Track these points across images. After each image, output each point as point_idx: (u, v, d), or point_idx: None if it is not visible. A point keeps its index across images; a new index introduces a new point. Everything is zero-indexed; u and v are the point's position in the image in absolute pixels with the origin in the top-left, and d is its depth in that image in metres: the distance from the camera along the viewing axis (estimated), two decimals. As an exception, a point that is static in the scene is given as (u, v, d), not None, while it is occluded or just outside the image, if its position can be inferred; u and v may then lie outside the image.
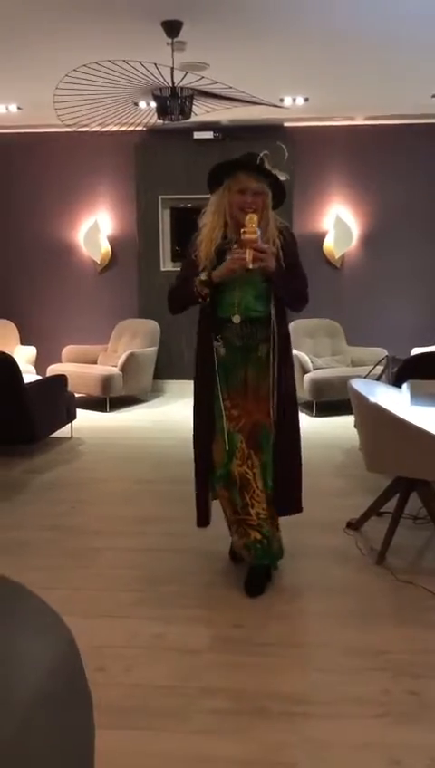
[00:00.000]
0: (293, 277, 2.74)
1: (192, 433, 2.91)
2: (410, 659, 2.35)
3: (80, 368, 6.87)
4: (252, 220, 2.55)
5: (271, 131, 7.17)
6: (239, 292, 2.71)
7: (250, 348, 2.75)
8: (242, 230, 2.54)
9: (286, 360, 2.84)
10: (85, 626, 2.47)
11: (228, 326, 2.73)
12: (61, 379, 5.51)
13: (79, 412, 5.82)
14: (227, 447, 2.77)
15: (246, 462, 2.77)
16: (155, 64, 4.42)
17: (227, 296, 2.73)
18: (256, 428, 2.79)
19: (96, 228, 7.69)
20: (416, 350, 6.58)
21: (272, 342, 2.74)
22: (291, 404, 2.85)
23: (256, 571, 2.87)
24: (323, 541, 3.40)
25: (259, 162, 2.69)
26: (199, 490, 2.89)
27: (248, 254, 2.50)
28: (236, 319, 2.70)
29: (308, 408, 6.46)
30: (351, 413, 3.79)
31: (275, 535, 2.87)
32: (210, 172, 2.73)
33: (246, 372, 2.78)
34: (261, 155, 2.69)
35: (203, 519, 2.91)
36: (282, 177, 2.73)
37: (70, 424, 5.58)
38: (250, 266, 2.50)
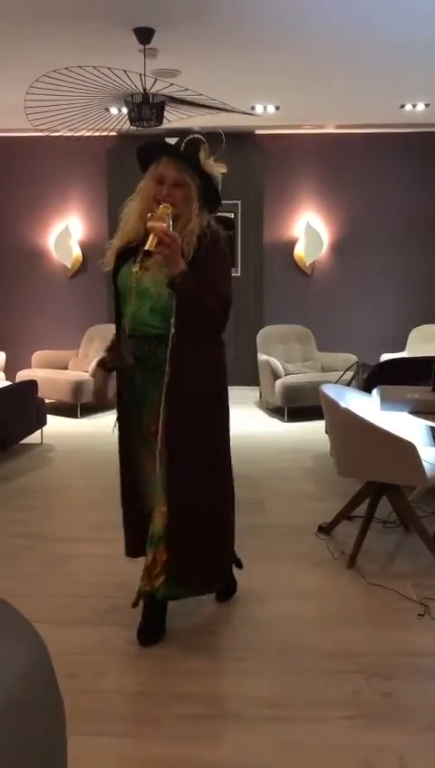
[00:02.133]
0: (207, 292, 2.24)
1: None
2: (382, 661, 2.37)
3: (50, 373, 6.81)
4: (166, 209, 2.18)
5: (242, 139, 7.23)
6: (135, 301, 2.30)
7: (152, 368, 2.33)
8: (149, 214, 2.19)
9: (191, 396, 2.32)
10: (57, 633, 2.45)
11: (129, 342, 2.37)
12: (31, 385, 5.46)
13: (49, 418, 5.77)
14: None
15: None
16: (124, 71, 4.42)
17: (127, 306, 2.34)
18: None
19: (67, 233, 7.65)
20: (385, 356, 6.68)
21: (168, 371, 2.26)
22: (189, 454, 2.34)
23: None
24: (295, 545, 3.42)
25: (184, 147, 2.26)
26: (125, 518, 2.57)
27: (151, 238, 2.11)
28: (129, 332, 2.35)
29: (280, 413, 6.50)
30: (321, 418, 3.83)
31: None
32: (137, 155, 2.35)
33: (154, 394, 2.35)
34: (189, 137, 2.28)
35: (133, 546, 2.55)
36: (220, 170, 2.30)
37: (40, 430, 5.52)
38: (150, 248, 2.11)
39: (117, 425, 2.54)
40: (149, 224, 2.15)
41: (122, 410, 2.51)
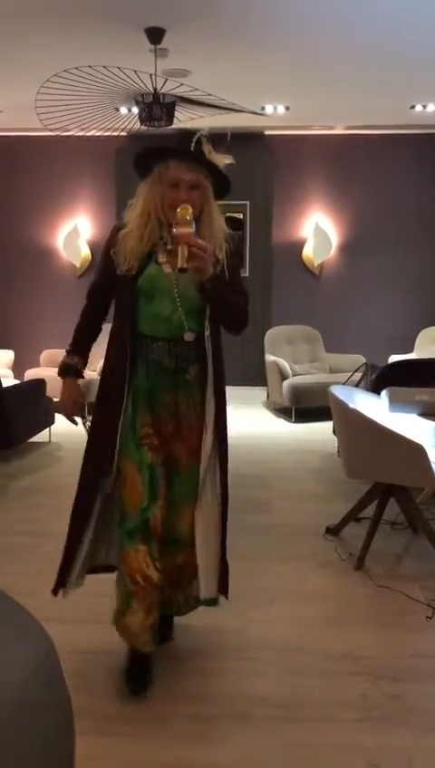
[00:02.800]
0: (233, 291, 2.22)
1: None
2: (389, 663, 2.36)
3: (58, 372, 6.82)
4: (185, 211, 2.05)
5: (252, 139, 7.23)
6: (173, 304, 2.18)
7: (179, 371, 2.22)
8: (173, 222, 2.07)
9: (222, 394, 2.28)
10: (64, 631, 2.43)
11: (153, 345, 2.19)
12: (39, 384, 5.48)
13: (57, 417, 5.77)
14: (148, 485, 2.17)
15: (165, 501, 2.24)
16: (135, 71, 4.43)
17: (152, 307, 2.19)
18: (170, 461, 2.25)
19: (76, 233, 7.67)
20: (393, 358, 6.66)
21: (208, 370, 2.21)
22: (223, 455, 2.28)
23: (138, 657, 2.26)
24: (302, 546, 3.41)
25: (194, 146, 2.15)
26: (72, 542, 2.34)
27: (181, 251, 2.00)
28: (189, 336, 2.18)
29: (287, 414, 6.50)
30: (329, 419, 3.82)
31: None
32: (136, 159, 2.21)
33: (176, 397, 2.23)
34: (197, 135, 2.16)
35: (63, 579, 2.34)
36: (225, 161, 2.19)
37: (48, 429, 5.54)
38: (183, 266, 1.99)
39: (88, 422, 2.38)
40: (176, 231, 2.03)
41: (116, 412, 2.23)
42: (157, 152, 2.17)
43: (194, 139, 2.14)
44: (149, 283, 2.18)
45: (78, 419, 2.39)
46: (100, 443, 2.25)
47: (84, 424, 2.39)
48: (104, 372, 2.29)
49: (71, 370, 2.36)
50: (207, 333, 2.19)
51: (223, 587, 2.31)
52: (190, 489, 2.25)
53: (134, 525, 2.16)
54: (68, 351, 2.40)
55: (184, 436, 2.24)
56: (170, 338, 2.19)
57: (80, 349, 2.41)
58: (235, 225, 2.38)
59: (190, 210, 2.06)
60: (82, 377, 2.39)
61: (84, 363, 2.39)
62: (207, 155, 2.16)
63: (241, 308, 2.24)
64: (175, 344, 2.19)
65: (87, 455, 2.32)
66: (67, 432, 5.82)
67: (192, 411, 2.24)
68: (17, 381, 6.37)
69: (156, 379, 2.21)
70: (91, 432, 2.31)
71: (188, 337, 2.18)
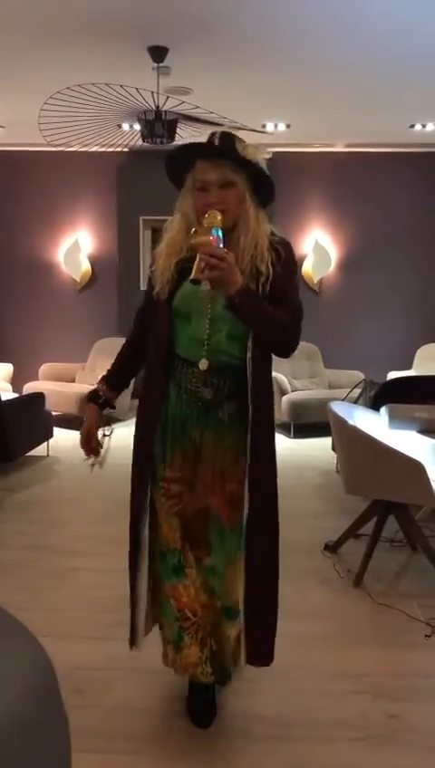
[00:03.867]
0: (277, 307, 1.90)
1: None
2: (389, 682, 2.35)
3: (57, 386, 6.82)
4: (212, 218, 1.81)
5: (252, 156, 7.28)
6: (209, 325, 1.93)
7: (213, 404, 1.96)
8: (193, 230, 1.86)
9: (270, 436, 2.00)
10: (62, 647, 2.43)
11: (189, 371, 1.96)
12: (38, 398, 5.47)
13: (56, 431, 5.77)
14: (179, 527, 2.02)
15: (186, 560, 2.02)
16: (136, 89, 4.47)
17: (190, 329, 1.95)
18: (199, 517, 2.01)
19: (76, 247, 7.70)
20: (392, 374, 6.67)
21: (251, 406, 1.91)
22: (270, 505, 1.98)
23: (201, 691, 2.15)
24: (301, 563, 3.39)
25: (218, 142, 1.90)
26: (134, 592, 2.09)
27: (197, 261, 1.76)
28: (204, 364, 1.93)
29: (286, 429, 6.49)
30: (328, 435, 3.82)
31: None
32: (166, 166, 1.98)
33: (202, 437, 1.97)
34: (220, 131, 1.95)
35: (139, 632, 2.12)
36: (263, 156, 1.96)
37: (46, 442, 5.53)
38: (197, 276, 1.75)
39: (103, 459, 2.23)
40: (194, 240, 1.81)
41: (150, 448, 2.04)
42: (180, 156, 1.93)
43: (217, 135, 1.91)
44: (184, 302, 1.95)
45: (95, 454, 2.22)
46: (138, 482, 2.09)
47: (99, 461, 2.26)
48: (139, 407, 2.09)
49: (92, 397, 2.17)
50: (248, 355, 1.91)
51: (266, 655, 2.04)
52: (240, 548, 1.98)
53: (178, 560, 2.02)
54: (101, 378, 2.21)
55: (217, 491, 1.99)
56: (210, 364, 1.94)
57: (112, 377, 2.19)
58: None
59: (218, 217, 1.82)
60: (111, 406, 2.19)
61: (114, 393, 2.18)
62: (241, 152, 1.91)
63: (283, 324, 1.93)
64: (209, 373, 1.94)
65: (132, 496, 2.13)
66: (65, 446, 5.84)
67: (224, 458, 1.98)
68: (16, 395, 6.36)
69: (184, 412, 1.98)
70: (134, 460, 2.13)
71: (203, 365, 1.93)
